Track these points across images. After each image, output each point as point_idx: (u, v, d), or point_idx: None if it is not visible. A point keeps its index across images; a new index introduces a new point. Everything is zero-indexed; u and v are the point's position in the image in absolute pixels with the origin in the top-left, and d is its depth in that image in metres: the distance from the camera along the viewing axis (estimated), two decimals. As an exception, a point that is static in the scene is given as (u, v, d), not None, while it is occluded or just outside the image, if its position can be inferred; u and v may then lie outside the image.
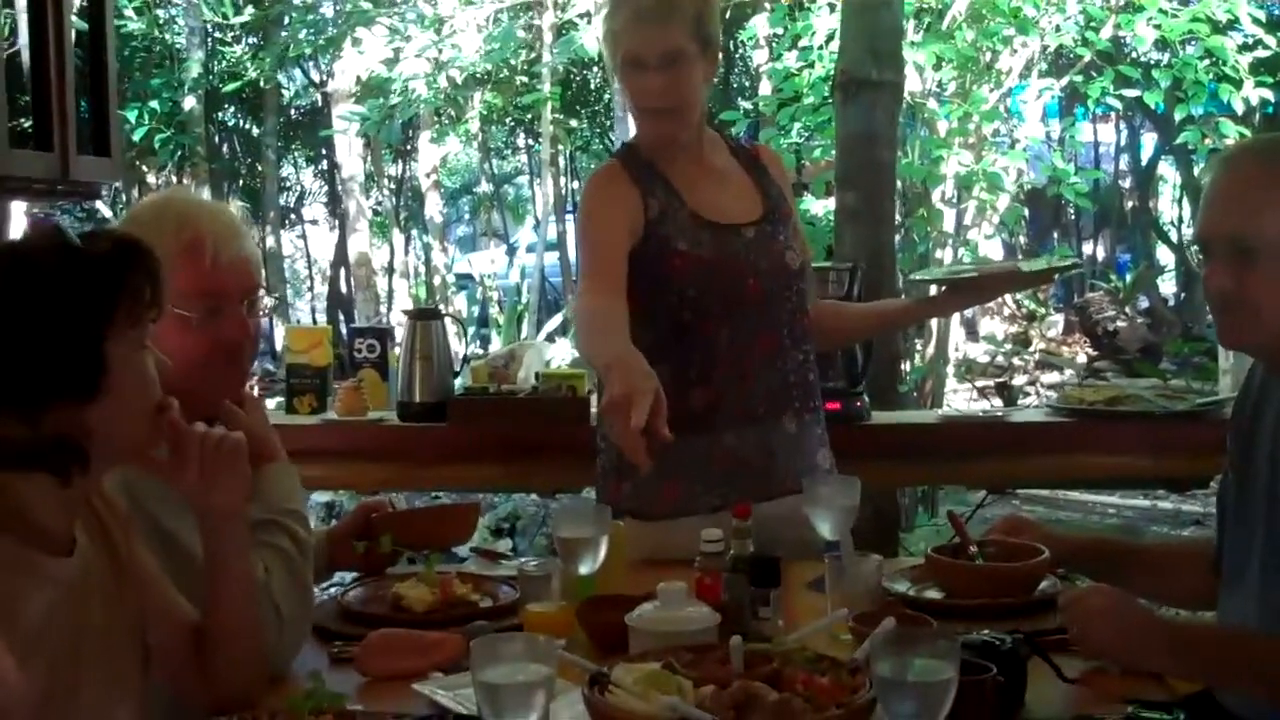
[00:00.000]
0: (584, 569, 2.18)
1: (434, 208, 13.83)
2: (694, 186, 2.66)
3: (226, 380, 2.07)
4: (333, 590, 2.49)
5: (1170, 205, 17.03)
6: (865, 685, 1.65)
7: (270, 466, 2.09)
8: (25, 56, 3.04)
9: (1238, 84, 7.62)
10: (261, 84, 13.51)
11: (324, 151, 15.89)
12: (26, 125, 3.09)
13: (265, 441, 2.11)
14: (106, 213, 12.21)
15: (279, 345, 11.91)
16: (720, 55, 2.73)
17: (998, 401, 9.57)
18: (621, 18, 2.61)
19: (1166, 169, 16.44)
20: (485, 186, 17.33)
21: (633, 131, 2.80)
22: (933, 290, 2.95)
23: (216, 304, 2.01)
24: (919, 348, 7.84)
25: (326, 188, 17.30)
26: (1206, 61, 7.80)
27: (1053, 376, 11.74)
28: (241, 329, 2.06)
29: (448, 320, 3.68)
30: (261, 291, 2.17)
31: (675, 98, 2.59)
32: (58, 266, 1.61)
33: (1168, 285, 16.06)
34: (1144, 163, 16.87)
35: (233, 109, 15.39)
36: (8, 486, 1.60)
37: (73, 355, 1.59)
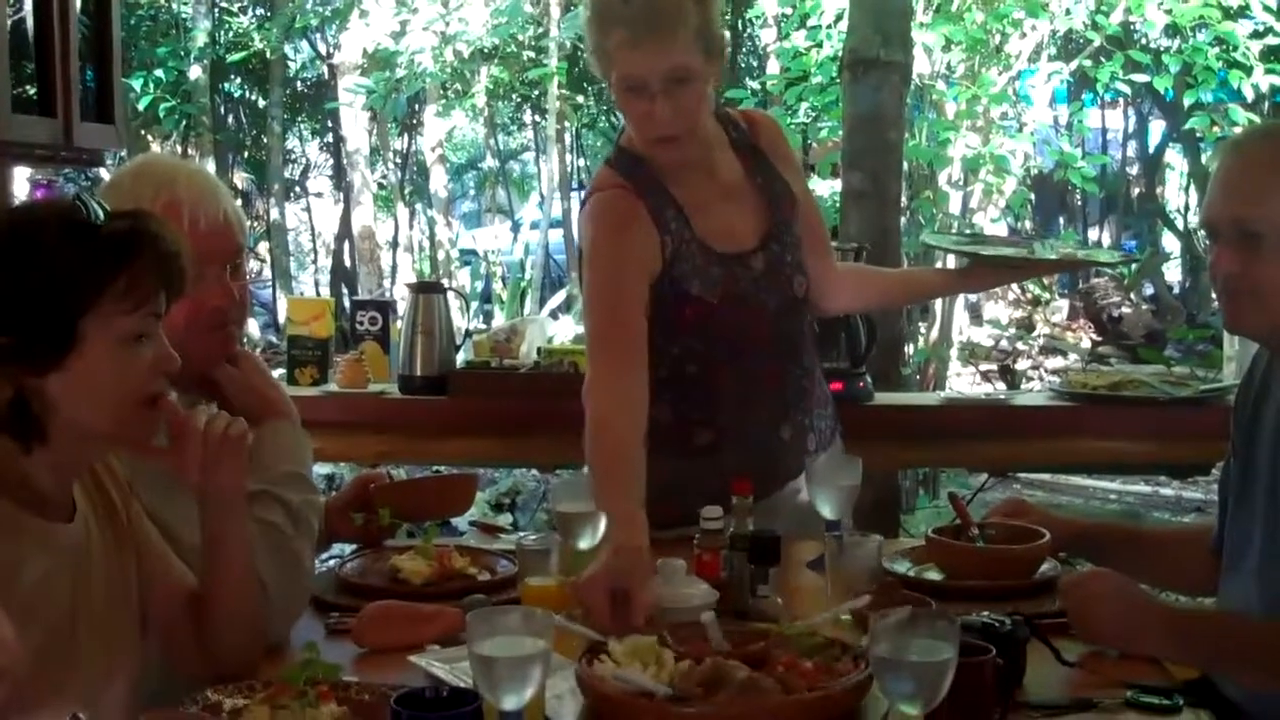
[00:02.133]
0: (583, 544, 2.17)
1: (439, 182, 13.80)
2: (703, 209, 2.47)
3: (213, 346, 2.05)
4: (331, 562, 2.49)
5: (1177, 192, 16.98)
6: (853, 671, 1.66)
7: (271, 424, 2.07)
8: (30, 23, 3.02)
9: (1248, 70, 7.59)
10: (268, 55, 13.46)
11: (330, 124, 15.85)
12: (31, 93, 3.07)
13: (265, 397, 2.10)
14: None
15: (281, 317, 11.89)
16: (726, 51, 2.47)
17: (1001, 385, 9.57)
18: (615, 37, 2.31)
19: (1174, 156, 16.39)
20: (491, 162, 17.30)
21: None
22: (951, 260, 2.89)
23: (197, 269, 1.91)
24: (922, 330, 7.83)
25: (332, 161, 17.26)
26: (1217, 48, 7.77)
27: (1056, 361, 11.74)
28: (224, 294, 2.03)
29: (450, 294, 3.66)
30: (245, 254, 2.14)
31: (685, 122, 2.36)
32: (56, 234, 1.61)
33: (1173, 272, 16.03)
34: (1151, 149, 16.82)
35: (239, 80, 15.33)
36: (6, 452, 1.59)
37: (41, 323, 1.58)
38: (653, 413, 2.43)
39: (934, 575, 2.29)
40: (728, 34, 2.53)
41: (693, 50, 2.30)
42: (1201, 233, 2.07)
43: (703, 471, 2.45)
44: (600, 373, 2.35)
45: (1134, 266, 13.65)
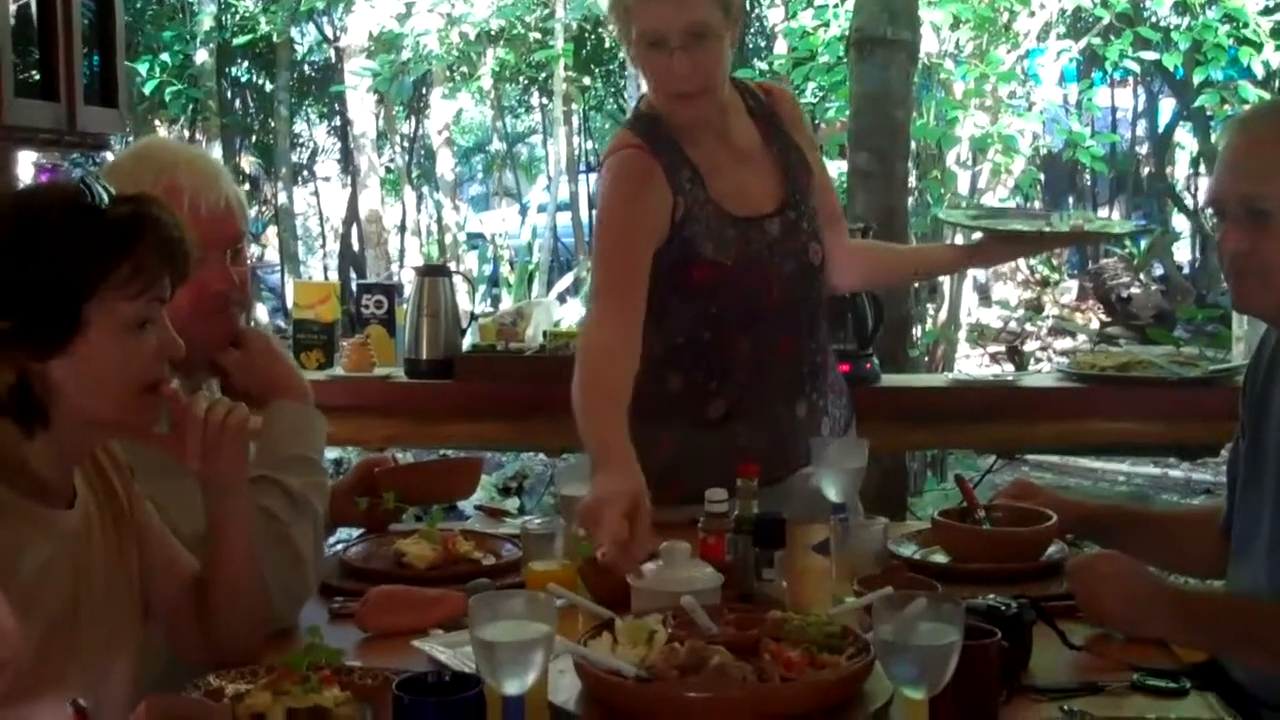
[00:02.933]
0: (586, 528, 2.16)
1: (446, 166, 13.78)
2: (718, 172, 2.49)
3: (216, 330, 2.04)
4: (338, 546, 2.48)
5: (1186, 171, 16.91)
6: (846, 664, 1.66)
7: (278, 405, 2.06)
8: (34, 8, 3.02)
9: (1258, 47, 7.56)
10: (274, 39, 13.43)
11: (337, 108, 15.82)
12: (35, 77, 3.07)
13: (271, 377, 2.09)
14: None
15: (290, 301, 11.90)
16: (743, 13, 2.51)
17: (1009, 366, 9.54)
18: None
19: (1184, 135, 16.32)
20: (498, 145, 17.27)
21: (645, 89, 2.63)
22: (960, 235, 2.89)
23: (199, 254, 1.93)
24: (931, 312, 7.81)
25: (339, 144, 17.24)
26: (1227, 25, 7.73)
27: (1065, 342, 11.71)
28: (225, 279, 2.02)
29: (457, 278, 3.66)
30: (246, 238, 2.13)
31: (704, 78, 2.38)
32: (60, 218, 1.60)
33: (1183, 252, 15.97)
34: (1161, 128, 16.75)
35: (246, 63, 15.30)
36: (5, 438, 1.59)
37: (45, 307, 1.57)
38: (667, 381, 2.48)
39: (940, 558, 2.27)
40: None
41: (711, 7, 2.34)
42: (1209, 211, 2.05)
43: (716, 444, 2.46)
44: (600, 318, 2.39)
45: (1144, 246, 13.62)
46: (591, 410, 2.21)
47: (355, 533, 2.54)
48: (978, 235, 2.87)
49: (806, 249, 2.55)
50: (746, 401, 2.52)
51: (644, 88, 2.59)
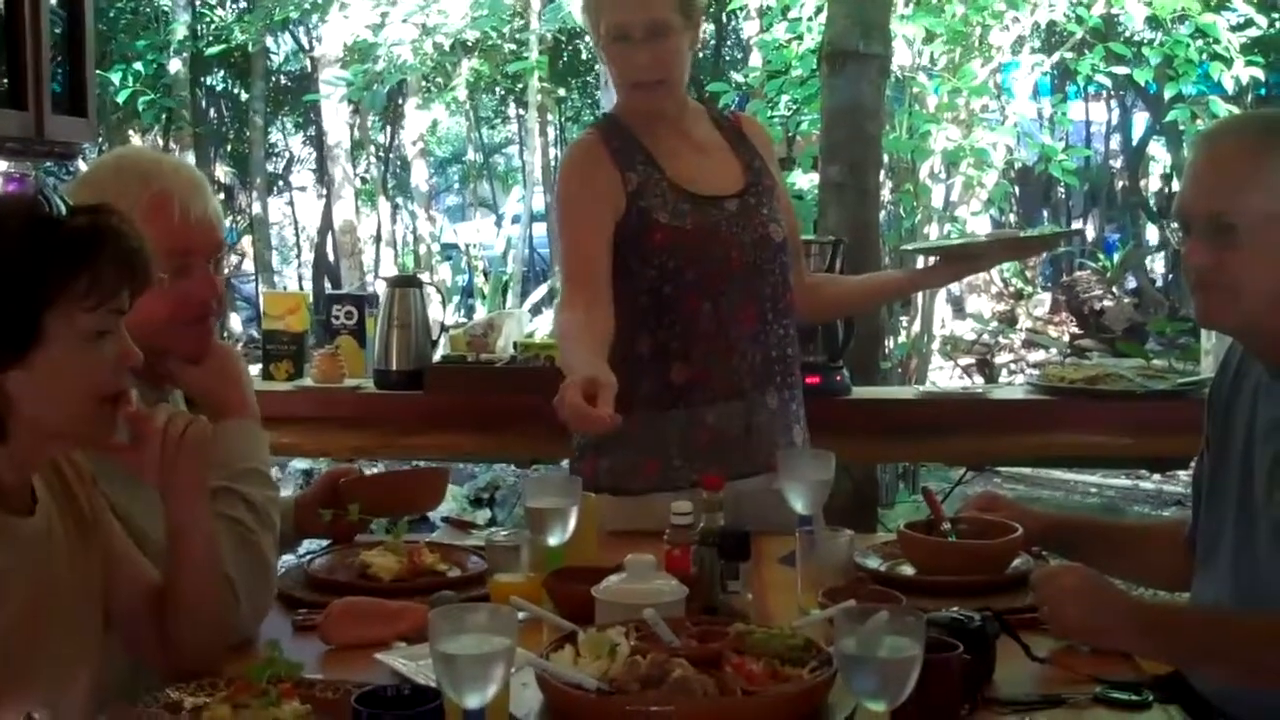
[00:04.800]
0: (553, 540, 2.16)
1: (420, 176, 13.76)
2: (674, 158, 2.63)
3: (191, 339, 2.03)
4: (306, 558, 2.46)
5: (1158, 183, 17.02)
6: (809, 677, 1.65)
7: (227, 424, 2.04)
8: (2, 15, 3.00)
9: (1229, 62, 7.61)
10: (249, 48, 13.40)
11: (312, 117, 15.79)
12: (6, 86, 3.05)
13: (224, 401, 2.07)
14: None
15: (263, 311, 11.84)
16: (703, 24, 2.70)
17: (980, 379, 9.57)
18: None
19: (1158, 149, 16.42)
20: (474, 155, 17.26)
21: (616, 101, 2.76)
22: (920, 261, 2.94)
23: (185, 262, 1.95)
24: (904, 324, 7.83)
25: (315, 154, 17.20)
26: (1198, 40, 7.78)
27: (1039, 355, 11.75)
28: (210, 287, 2.02)
29: (429, 289, 3.65)
30: (225, 248, 2.13)
31: (662, 70, 2.58)
32: (17, 230, 1.58)
33: (1157, 265, 16.07)
34: (1134, 142, 16.86)
35: (221, 73, 15.27)
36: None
37: (3, 319, 1.56)
38: (636, 346, 2.58)
39: (906, 570, 2.27)
40: (706, 6, 2.71)
41: (671, 8, 2.56)
42: (1174, 225, 2.06)
43: (686, 418, 2.56)
44: (569, 300, 2.56)
45: (1117, 258, 13.71)
46: (571, 345, 2.42)
47: (321, 544, 2.52)
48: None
49: (766, 226, 2.64)
50: (711, 371, 2.58)
51: (616, 98, 2.72)
